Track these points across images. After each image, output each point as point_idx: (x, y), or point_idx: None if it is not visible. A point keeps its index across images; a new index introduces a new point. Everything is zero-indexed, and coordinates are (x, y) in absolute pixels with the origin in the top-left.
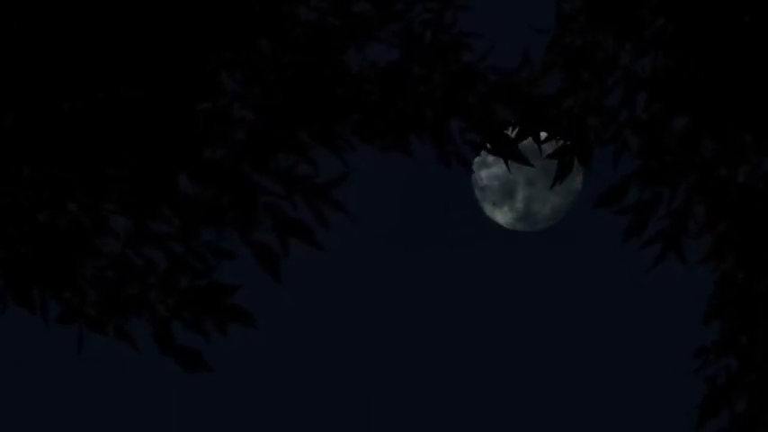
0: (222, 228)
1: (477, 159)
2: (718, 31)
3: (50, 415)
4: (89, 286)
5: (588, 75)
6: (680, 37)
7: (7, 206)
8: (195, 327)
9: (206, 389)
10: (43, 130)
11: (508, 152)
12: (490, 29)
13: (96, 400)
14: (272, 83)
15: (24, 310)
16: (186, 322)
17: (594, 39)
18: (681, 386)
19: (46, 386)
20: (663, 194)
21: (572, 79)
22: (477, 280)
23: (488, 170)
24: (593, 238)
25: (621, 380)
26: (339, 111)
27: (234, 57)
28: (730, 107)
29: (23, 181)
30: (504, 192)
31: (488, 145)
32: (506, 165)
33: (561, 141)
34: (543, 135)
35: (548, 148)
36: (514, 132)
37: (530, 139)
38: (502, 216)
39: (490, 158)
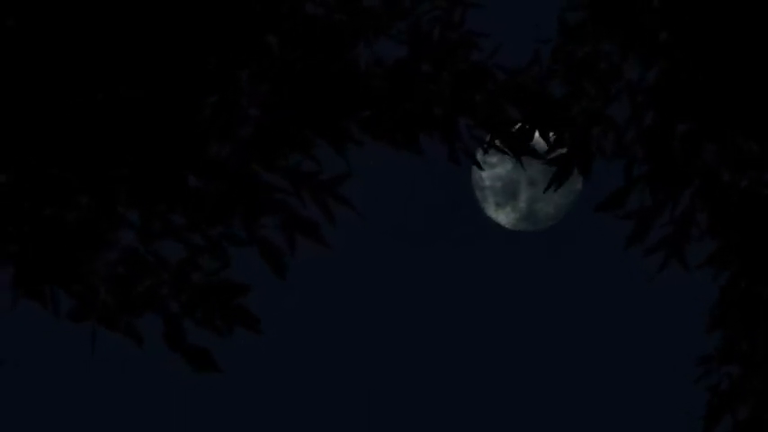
0: (230, 225)
1: (479, 159)
2: (720, 37)
3: (51, 413)
4: (101, 282)
5: (591, 84)
6: (683, 45)
7: (19, 201)
8: (207, 324)
9: (211, 387)
10: (54, 128)
11: (517, 149)
12: (498, 28)
13: (97, 399)
14: (280, 79)
15: (23, 310)
16: (198, 320)
17: (598, 48)
18: (681, 384)
19: (47, 385)
20: (666, 201)
21: (575, 89)
22: (479, 279)
23: (492, 170)
24: (594, 238)
25: (622, 378)
26: (346, 108)
27: (241, 53)
28: (734, 113)
29: (35, 177)
30: (507, 192)
31: (497, 142)
32: (519, 161)
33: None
34: (552, 136)
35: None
36: (520, 129)
37: (534, 138)
38: (505, 216)
39: (494, 159)
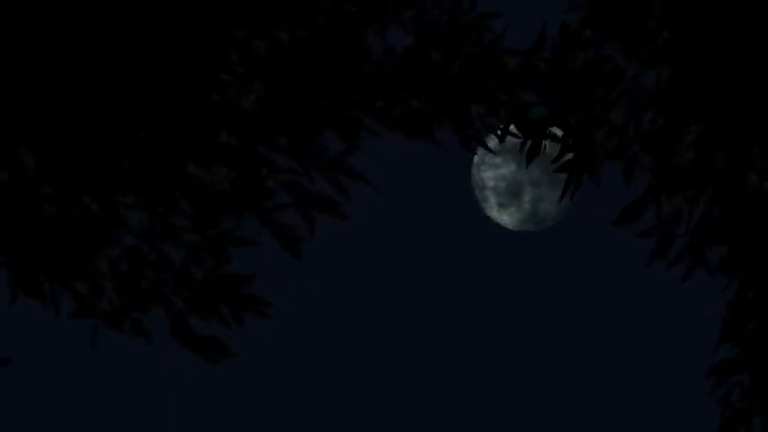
0: (241, 214)
1: (481, 160)
2: (724, 39)
3: (48, 413)
4: (104, 280)
5: (594, 89)
6: (686, 47)
7: (19, 200)
8: (213, 317)
9: (212, 384)
10: (55, 127)
11: (534, 133)
12: (506, 8)
13: (96, 398)
14: (288, 71)
15: (21, 310)
16: (204, 314)
17: (600, 52)
18: (681, 385)
19: (44, 384)
20: (681, 210)
21: (578, 94)
22: (482, 280)
23: (496, 171)
24: (597, 236)
25: (623, 378)
26: (359, 98)
27: (248, 41)
28: (741, 116)
29: (37, 176)
30: (511, 192)
31: (512, 128)
32: (541, 147)
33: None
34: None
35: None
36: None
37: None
38: (508, 216)
39: (497, 159)
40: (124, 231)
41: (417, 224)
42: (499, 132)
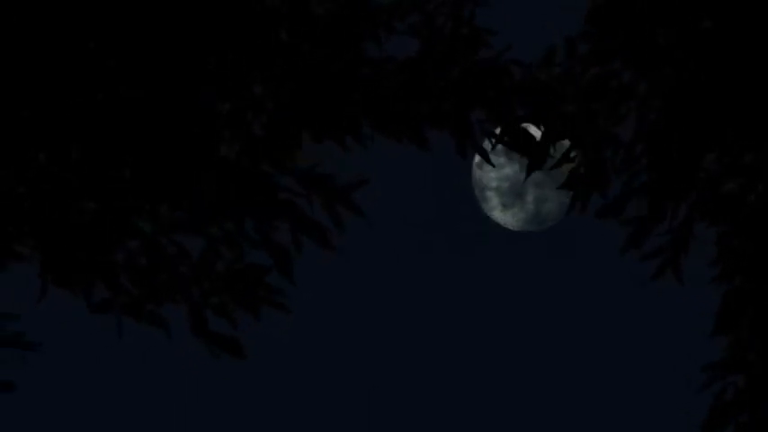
0: (242, 225)
1: (483, 160)
2: (721, 46)
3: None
4: (122, 272)
5: (601, 105)
6: (685, 53)
7: (38, 197)
8: (225, 314)
9: (220, 382)
10: (74, 125)
11: (527, 149)
12: (507, 26)
13: (101, 393)
14: (287, 76)
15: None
16: (217, 309)
17: (607, 68)
18: (682, 384)
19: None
20: (665, 210)
21: (586, 110)
22: (484, 280)
23: (499, 171)
24: (600, 237)
25: (626, 378)
26: (356, 104)
27: (247, 52)
28: (734, 122)
29: (55, 173)
30: (514, 193)
31: (506, 138)
32: (529, 159)
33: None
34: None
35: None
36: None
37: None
38: (512, 217)
39: (501, 159)
40: (143, 224)
41: (418, 225)
42: (493, 141)
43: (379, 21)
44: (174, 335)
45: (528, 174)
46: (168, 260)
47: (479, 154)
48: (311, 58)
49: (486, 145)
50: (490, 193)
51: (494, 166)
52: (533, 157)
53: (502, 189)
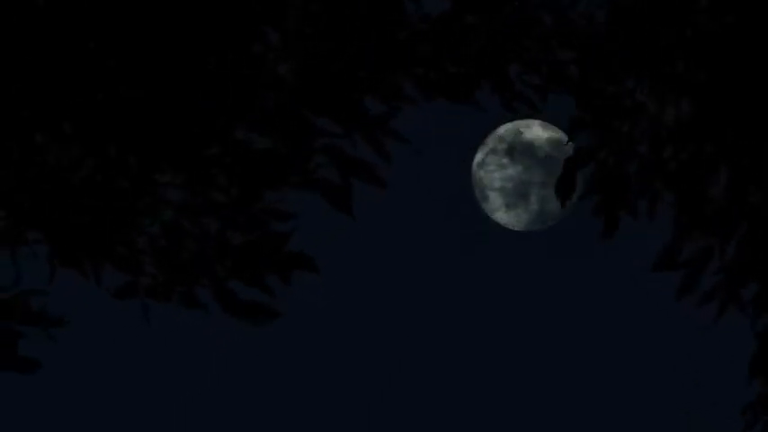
0: (282, 187)
1: (483, 161)
2: (750, 72)
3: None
4: (143, 255)
5: (619, 124)
6: (711, 81)
7: (61, 178)
8: (256, 285)
9: (227, 380)
10: (97, 108)
11: (574, 89)
12: None
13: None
14: (322, 39)
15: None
16: (246, 280)
17: (622, 86)
18: (684, 382)
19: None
20: (713, 248)
21: (603, 130)
22: (486, 280)
23: (503, 171)
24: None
25: (627, 374)
26: (396, 65)
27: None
28: None
29: (78, 153)
30: (518, 193)
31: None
32: (577, 103)
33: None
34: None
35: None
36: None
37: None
38: (515, 217)
39: (504, 160)
40: (164, 207)
41: (418, 225)
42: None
43: None
44: (184, 321)
45: (563, 199)
46: (191, 239)
47: (528, 105)
48: (347, 22)
49: (512, 128)
50: (494, 194)
51: (540, 111)
52: (580, 98)
53: (506, 189)
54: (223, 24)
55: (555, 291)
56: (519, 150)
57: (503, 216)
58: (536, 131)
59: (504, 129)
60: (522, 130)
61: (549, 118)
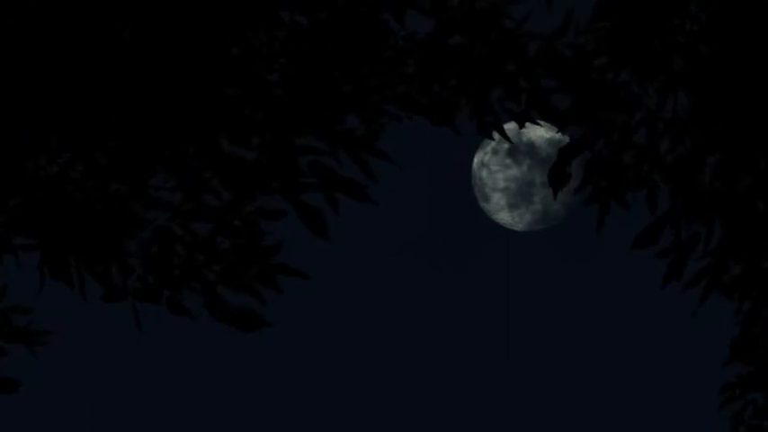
0: (269, 192)
1: (484, 162)
2: (745, 65)
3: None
4: (134, 260)
5: (614, 115)
6: (706, 74)
7: (51, 184)
8: (246, 291)
9: (221, 382)
10: (85, 109)
11: (556, 118)
12: None
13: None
14: (308, 57)
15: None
16: (236, 286)
17: (616, 79)
18: (685, 382)
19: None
20: (699, 235)
21: (599, 120)
22: (489, 281)
23: (506, 172)
24: (601, 235)
25: (630, 374)
26: (376, 83)
27: (265, 32)
28: (764, 141)
29: (67, 157)
30: (522, 193)
31: (531, 113)
32: (559, 129)
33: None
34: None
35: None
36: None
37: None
38: (519, 217)
39: (507, 160)
40: (155, 212)
41: (418, 225)
42: (520, 117)
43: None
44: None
45: (555, 190)
46: (182, 245)
47: (500, 133)
48: (331, 40)
49: (513, 127)
50: (497, 195)
51: (512, 142)
52: (563, 127)
53: (510, 190)
54: (211, 36)
55: (555, 291)
56: (520, 151)
57: (506, 216)
58: (536, 132)
59: (506, 129)
60: (522, 130)
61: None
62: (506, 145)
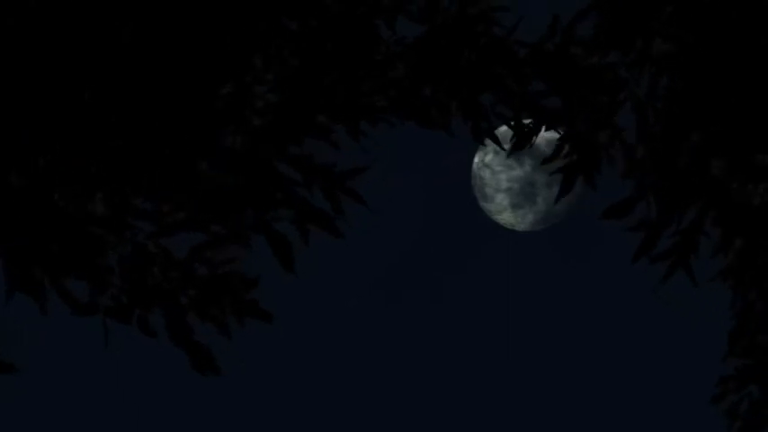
0: (241, 216)
1: (484, 162)
2: (727, 48)
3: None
4: (110, 276)
5: (596, 95)
6: (688, 56)
7: (27, 194)
8: (213, 321)
9: (215, 386)
10: (66, 120)
11: (548, 121)
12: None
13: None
14: (298, 62)
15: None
16: (204, 315)
17: (603, 60)
18: (686, 381)
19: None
20: (673, 213)
21: (580, 99)
22: (489, 281)
23: (509, 173)
24: (603, 235)
25: (632, 374)
26: (373, 88)
27: (255, 38)
28: (743, 125)
29: (46, 171)
30: (525, 193)
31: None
32: (555, 130)
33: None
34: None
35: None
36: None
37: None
38: (522, 217)
39: (510, 161)
40: (134, 229)
41: (418, 226)
42: (511, 122)
43: (388, 5)
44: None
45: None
46: (157, 265)
47: (491, 139)
48: (323, 46)
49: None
50: (501, 195)
51: (503, 148)
52: (555, 128)
53: (513, 190)
54: (196, 59)
55: (555, 291)
56: (521, 151)
57: (509, 216)
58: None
59: (504, 129)
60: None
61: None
62: (507, 145)
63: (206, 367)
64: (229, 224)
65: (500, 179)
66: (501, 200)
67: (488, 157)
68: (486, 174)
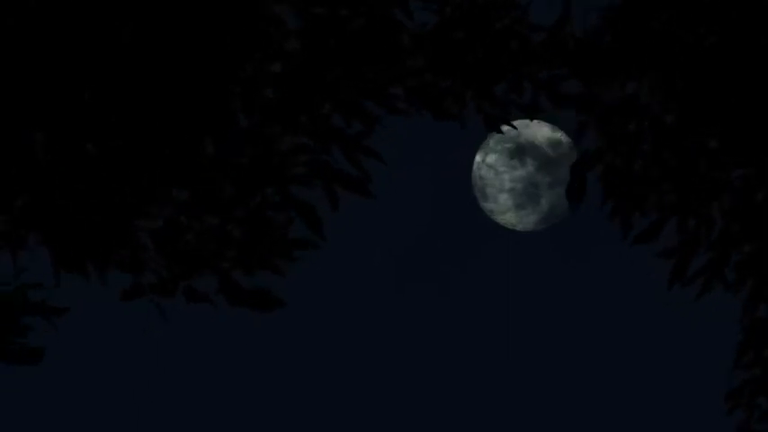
0: (264, 191)
1: (486, 162)
2: (727, 49)
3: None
4: (145, 252)
5: (623, 125)
6: (702, 60)
7: (62, 182)
8: (261, 267)
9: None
10: (92, 105)
11: (567, 102)
12: None
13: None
14: (324, 45)
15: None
16: (250, 268)
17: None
18: (688, 380)
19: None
20: (699, 230)
21: (608, 132)
22: (490, 281)
23: (512, 173)
24: (605, 235)
25: (634, 374)
26: (389, 77)
27: (257, 31)
28: (760, 134)
29: (79, 156)
30: (529, 194)
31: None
32: (576, 110)
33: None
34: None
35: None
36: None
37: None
38: (525, 218)
39: (513, 161)
40: (165, 204)
41: (419, 226)
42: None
43: None
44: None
45: (574, 200)
46: (191, 234)
47: (508, 125)
48: (349, 32)
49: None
50: (504, 195)
51: (516, 129)
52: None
53: (516, 191)
54: (207, 40)
55: (556, 291)
56: (519, 151)
57: (512, 217)
58: (535, 131)
59: (505, 128)
60: (521, 130)
61: (547, 117)
62: (508, 145)
63: (272, 306)
64: (252, 207)
65: (503, 179)
66: (504, 200)
67: (489, 158)
68: (490, 174)
